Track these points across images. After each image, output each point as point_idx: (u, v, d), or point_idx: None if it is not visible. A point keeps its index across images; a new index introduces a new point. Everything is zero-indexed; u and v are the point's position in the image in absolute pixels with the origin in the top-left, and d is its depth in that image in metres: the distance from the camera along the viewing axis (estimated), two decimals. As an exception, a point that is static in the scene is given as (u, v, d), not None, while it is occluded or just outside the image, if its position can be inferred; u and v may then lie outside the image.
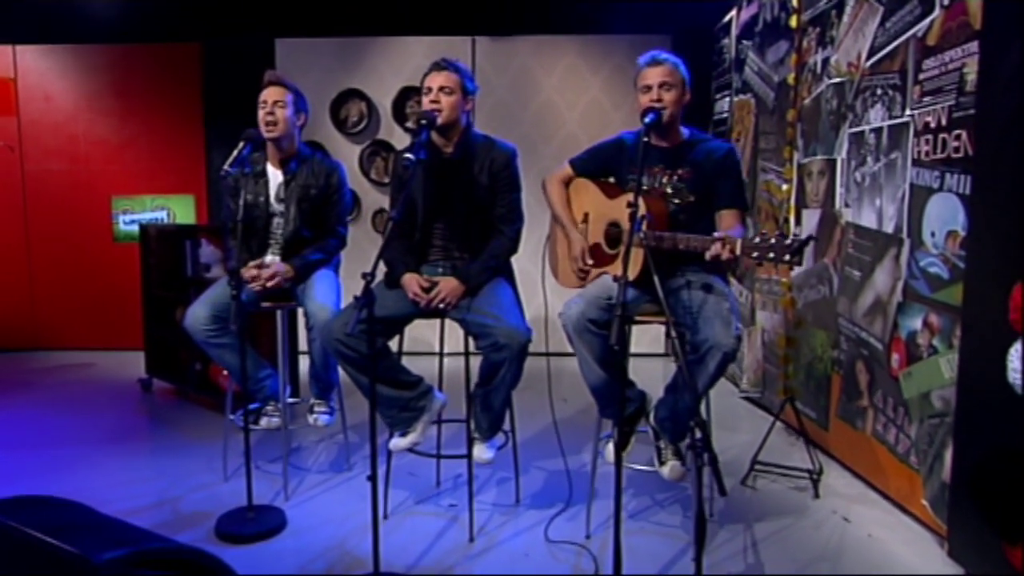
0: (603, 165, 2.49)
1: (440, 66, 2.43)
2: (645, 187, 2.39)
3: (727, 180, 2.35)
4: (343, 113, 4.90)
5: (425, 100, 2.43)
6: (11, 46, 4.86)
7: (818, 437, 3.28)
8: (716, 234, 2.03)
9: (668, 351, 4.08)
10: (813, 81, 3.33)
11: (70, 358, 4.94)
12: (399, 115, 4.86)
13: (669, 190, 2.37)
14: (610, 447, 2.38)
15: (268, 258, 2.86)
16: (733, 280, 4.37)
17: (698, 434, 1.71)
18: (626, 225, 2.27)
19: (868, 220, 2.86)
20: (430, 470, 2.92)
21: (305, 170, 2.84)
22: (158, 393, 4.15)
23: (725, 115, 4.49)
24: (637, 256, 2.23)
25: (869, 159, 2.87)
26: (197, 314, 2.66)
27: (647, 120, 2.16)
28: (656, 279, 1.90)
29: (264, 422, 2.78)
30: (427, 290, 2.40)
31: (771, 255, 1.89)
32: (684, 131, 2.45)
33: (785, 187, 3.56)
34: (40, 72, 4.89)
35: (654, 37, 4.77)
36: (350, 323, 1.87)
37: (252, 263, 2.74)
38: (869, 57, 2.87)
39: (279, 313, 2.81)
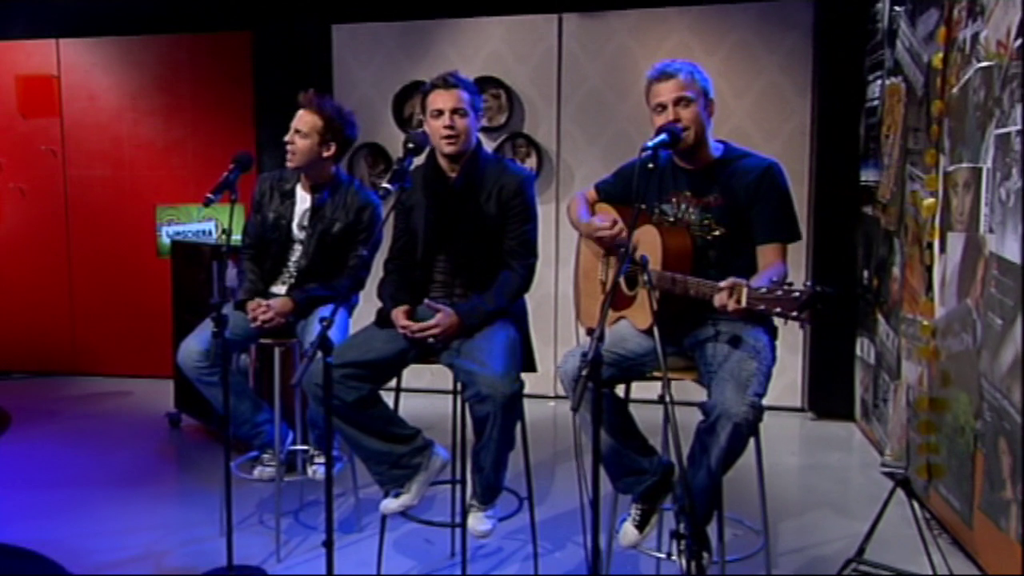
0: (629, 189, 2.60)
1: (449, 83, 2.65)
2: (670, 218, 2.49)
3: (764, 206, 2.39)
4: (408, 109, 5.24)
5: (435, 124, 2.65)
6: (54, 40, 5.61)
7: (961, 534, 3.15)
8: (727, 281, 2.08)
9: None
10: (962, 64, 3.24)
11: (107, 385, 5.60)
12: (471, 110, 5.15)
13: (694, 221, 2.45)
14: (626, 528, 2.48)
15: (275, 288, 3.21)
16: (879, 318, 4.26)
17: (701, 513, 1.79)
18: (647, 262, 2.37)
19: (1012, 252, 2.75)
20: (447, 538, 3.10)
21: (336, 201, 3.14)
22: (186, 431, 4.64)
23: (876, 102, 4.40)
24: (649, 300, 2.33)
25: (1015, 171, 2.77)
26: (190, 348, 3.03)
27: (651, 142, 2.26)
28: (655, 330, 2.00)
29: (257, 472, 3.10)
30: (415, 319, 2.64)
31: (777, 310, 1.93)
32: (716, 148, 2.52)
33: (928, 201, 3.46)
34: (84, 68, 5.61)
35: (791, 4, 4.75)
36: (298, 374, 2.11)
37: (253, 302, 3.08)
38: (1019, 35, 2.78)
39: (276, 351, 3.13)
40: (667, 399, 1.92)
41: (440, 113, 2.66)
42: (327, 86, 5.25)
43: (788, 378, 4.94)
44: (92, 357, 5.83)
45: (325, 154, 3.14)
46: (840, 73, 4.71)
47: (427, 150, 2.72)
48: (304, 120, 3.13)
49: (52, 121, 5.67)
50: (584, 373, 1.88)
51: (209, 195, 2.78)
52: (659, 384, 2.62)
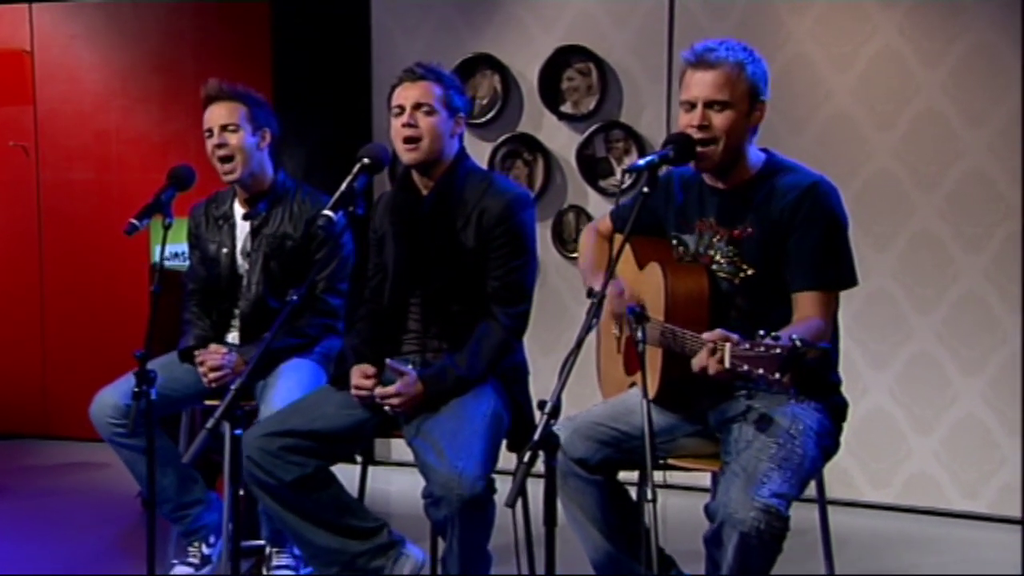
0: (648, 214, 2.77)
1: (415, 74, 2.92)
2: (692, 252, 2.66)
3: (802, 238, 2.52)
4: (468, 91, 5.53)
5: (395, 124, 2.95)
6: (27, 5, 6.14)
7: None
8: (713, 333, 2.23)
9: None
10: None
11: (81, 453, 6.02)
12: (550, 93, 5.34)
13: (719, 258, 2.61)
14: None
15: (229, 337, 3.57)
16: None
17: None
18: (650, 309, 2.55)
19: None
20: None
21: (280, 213, 3.50)
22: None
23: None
24: (656, 360, 2.51)
25: None
26: (105, 401, 3.40)
27: (643, 160, 2.44)
28: (644, 402, 2.19)
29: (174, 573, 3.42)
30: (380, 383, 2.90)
31: (759, 371, 2.06)
32: (755, 159, 2.67)
33: None
34: (63, 43, 6.17)
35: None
36: (192, 450, 2.35)
37: (203, 350, 3.42)
38: None
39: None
40: (648, 496, 2.09)
41: (400, 110, 2.94)
42: (364, 62, 5.60)
43: (1002, 476, 4.85)
44: (67, 416, 6.24)
45: (263, 144, 3.52)
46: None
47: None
48: (222, 113, 3.48)
49: (23, 109, 6.24)
50: (526, 459, 2.03)
51: (133, 220, 3.16)
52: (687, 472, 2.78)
